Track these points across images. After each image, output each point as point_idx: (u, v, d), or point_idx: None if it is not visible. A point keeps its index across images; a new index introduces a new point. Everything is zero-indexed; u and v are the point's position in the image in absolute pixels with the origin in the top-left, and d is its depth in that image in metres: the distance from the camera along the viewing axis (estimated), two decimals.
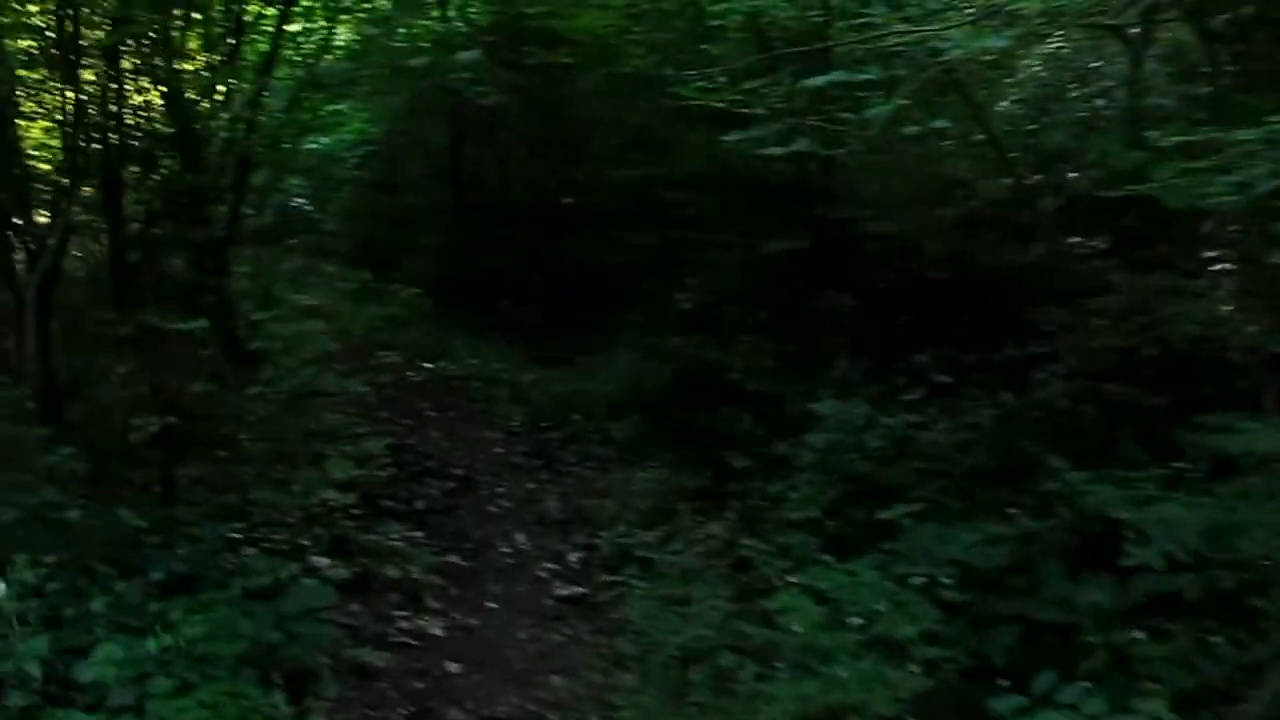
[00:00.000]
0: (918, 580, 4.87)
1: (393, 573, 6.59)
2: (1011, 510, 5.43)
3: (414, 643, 5.83)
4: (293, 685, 4.82)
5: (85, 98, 7.88)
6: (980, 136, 10.07)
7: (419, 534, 7.38)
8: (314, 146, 21.95)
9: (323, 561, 6.43)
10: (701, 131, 10.48)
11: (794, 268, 9.20)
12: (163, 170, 9.95)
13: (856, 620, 4.51)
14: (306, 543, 6.76)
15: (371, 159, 21.15)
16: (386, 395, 11.06)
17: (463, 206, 16.94)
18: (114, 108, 8.13)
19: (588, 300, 13.26)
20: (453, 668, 5.57)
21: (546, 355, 12.99)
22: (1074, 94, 9.65)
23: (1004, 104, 10.53)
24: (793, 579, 5.61)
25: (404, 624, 5.99)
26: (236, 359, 6.72)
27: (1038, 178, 9.09)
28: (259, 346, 5.76)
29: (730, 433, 8.64)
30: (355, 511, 7.33)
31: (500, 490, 8.49)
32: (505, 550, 7.33)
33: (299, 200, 23.27)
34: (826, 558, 6.01)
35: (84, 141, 8.17)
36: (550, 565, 7.07)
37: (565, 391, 10.76)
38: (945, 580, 4.84)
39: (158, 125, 10.15)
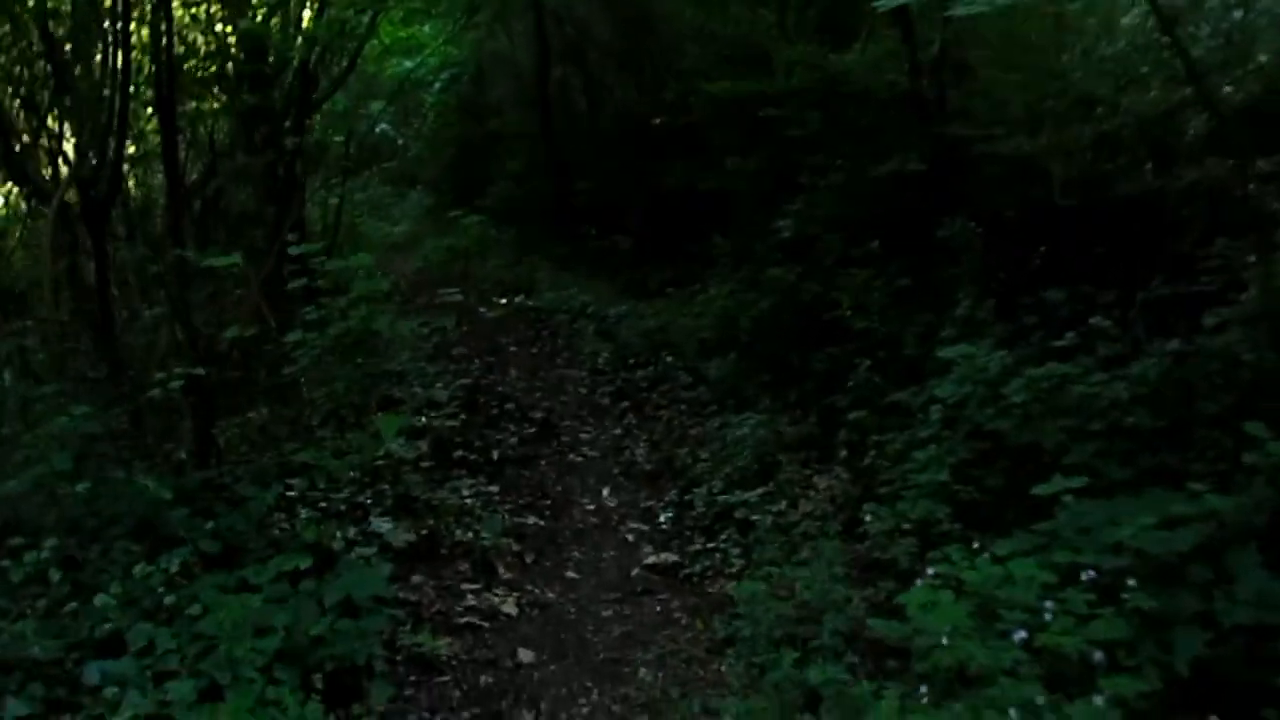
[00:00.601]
0: (1087, 573, 3.90)
1: (463, 535, 5.79)
2: (1193, 485, 4.39)
3: (483, 624, 5.01)
4: (337, 688, 4.02)
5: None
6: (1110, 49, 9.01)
7: (493, 488, 6.58)
8: (398, 70, 21.22)
9: (384, 525, 5.65)
10: (805, 43, 9.41)
11: (908, 192, 8.12)
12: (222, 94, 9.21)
13: (1016, 629, 3.57)
14: (368, 500, 6.01)
15: (456, 83, 20.26)
16: (465, 330, 10.27)
17: (549, 131, 15.95)
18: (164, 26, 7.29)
19: (680, 228, 12.27)
20: (526, 656, 4.74)
21: (635, 287, 12.10)
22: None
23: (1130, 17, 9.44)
24: (924, 560, 4.68)
25: (472, 599, 5.17)
26: (283, 298, 5.92)
27: (1186, 92, 7.91)
28: (303, 284, 4.91)
29: (836, 375, 7.68)
30: (423, 464, 6.55)
31: (584, 436, 7.65)
32: (588, 507, 6.49)
33: (383, 126, 22.53)
34: (960, 529, 5.11)
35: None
36: (638, 525, 6.22)
37: (654, 327, 9.85)
38: (1126, 577, 3.86)
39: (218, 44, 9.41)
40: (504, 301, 11.79)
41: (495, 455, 7.11)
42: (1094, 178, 7.87)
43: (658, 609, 5.23)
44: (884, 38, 9.44)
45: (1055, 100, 9.05)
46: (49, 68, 7.05)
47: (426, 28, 20.88)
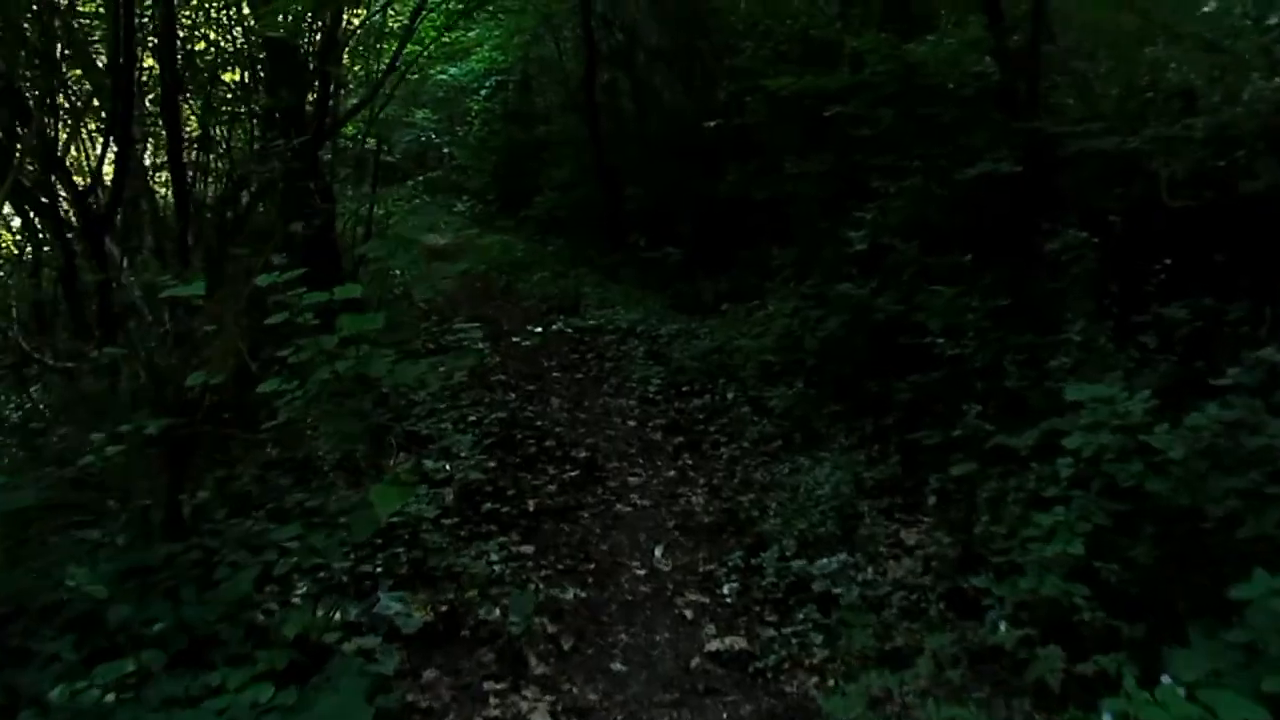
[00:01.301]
0: None
1: (488, 614, 4.74)
2: None
3: None
4: None
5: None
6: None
7: (527, 548, 5.51)
8: (443, 77, 20.28)
9: (394, 604, 4.61)
10: (877, 33, 8.29)
11: (999, 197, 6.99)
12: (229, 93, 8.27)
13: None
14: (377, 568, 4.98)
15: (503, 89, 19.28)
16: (503, 353, 9.25)
17: (596, 137, 14.90)
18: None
19: (735, 238, 11.21)
20: None
21: (688, 301, 11.04)
22: None
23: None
24: (1069, 672, 3.57)
25: (496, 707, 4.11)
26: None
27: None
28: (283, 318, 3.89)
29: (920, 407, 6.58)
30: (445, 521, 5.52)
31: (632, 480, 6.58)
32: (638, 572, 5.40)
33: (428, 134, 21.62)
34: (1103, 618, 3.98)
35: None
36: (697, 598, 5.12)
37: (710, 348, 8.77)
38: None
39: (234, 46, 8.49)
40: (547, 318, 10.77)
41: (530, 506, 6.05)
42: (1207, 174, 6.71)
43: (724, 716, 4.14)
44: (965, 24, 8.36)
45: (1153, 91, 7.95)
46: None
47: (473, 33, 19.99)
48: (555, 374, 8.96)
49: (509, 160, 18.47)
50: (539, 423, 7.45)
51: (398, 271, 14.76)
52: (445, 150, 21.04)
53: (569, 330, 9.64)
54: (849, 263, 8.08)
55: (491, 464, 6.51)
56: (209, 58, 8.13)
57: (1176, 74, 8.19)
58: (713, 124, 10.90)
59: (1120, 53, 8.58)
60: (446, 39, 19.82)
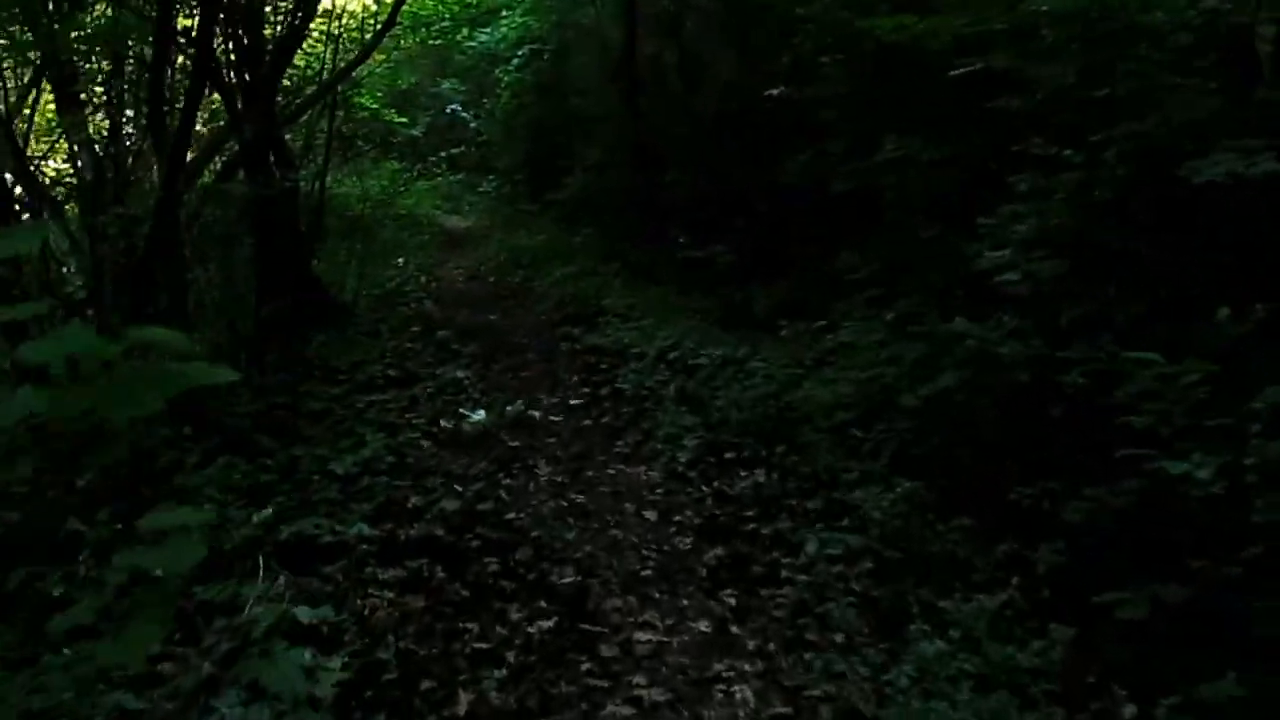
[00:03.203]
0: None
1: None
2: None
3: None
4: None
5: None
6: None
7: None
8: (471, 45, 17.57)
9: None
10: None
11: (1254, 210, 4.22)
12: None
13: None
14: None
15: (537, 58, 16.46)
16: (494, 380, 6.68)
17: (634, 111, 12.14)
18: None
19: (800, 238, 8.51)
20: None
21: (736, 315, 8.33)
22: None
23: None
24: None
25: None
26: None
27: None
28: None
29: (1109, 543, 3.89)
30: None
31: (642, 641, 3.87)
32: None
33: (454, 107, 18.92)
34: None
35: None
36: None
37: (765, 393, 6.08)
38: None
39: None
40: (557, 330, 8.15)
41: (469, 694, 3.40)
42: None
43: None
44: None
45: None
46: None
47: None
48: (553, 420, 6.30)
49: (539, 136, 15.74)
50: (511, 514, 4.80)
51: (400, 260, 12.17)
52: (472, 125, 18.33)
53: (590, 340, 7.01)
54: (967, 284, 5.43)
55: (419, 603, 3.87)
56: None
57: None
58: (775, 92, 8.09)
59: None
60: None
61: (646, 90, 12.27)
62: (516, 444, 5.81)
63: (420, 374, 6.81)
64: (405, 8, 18.44)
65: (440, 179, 17.70)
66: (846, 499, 4.78)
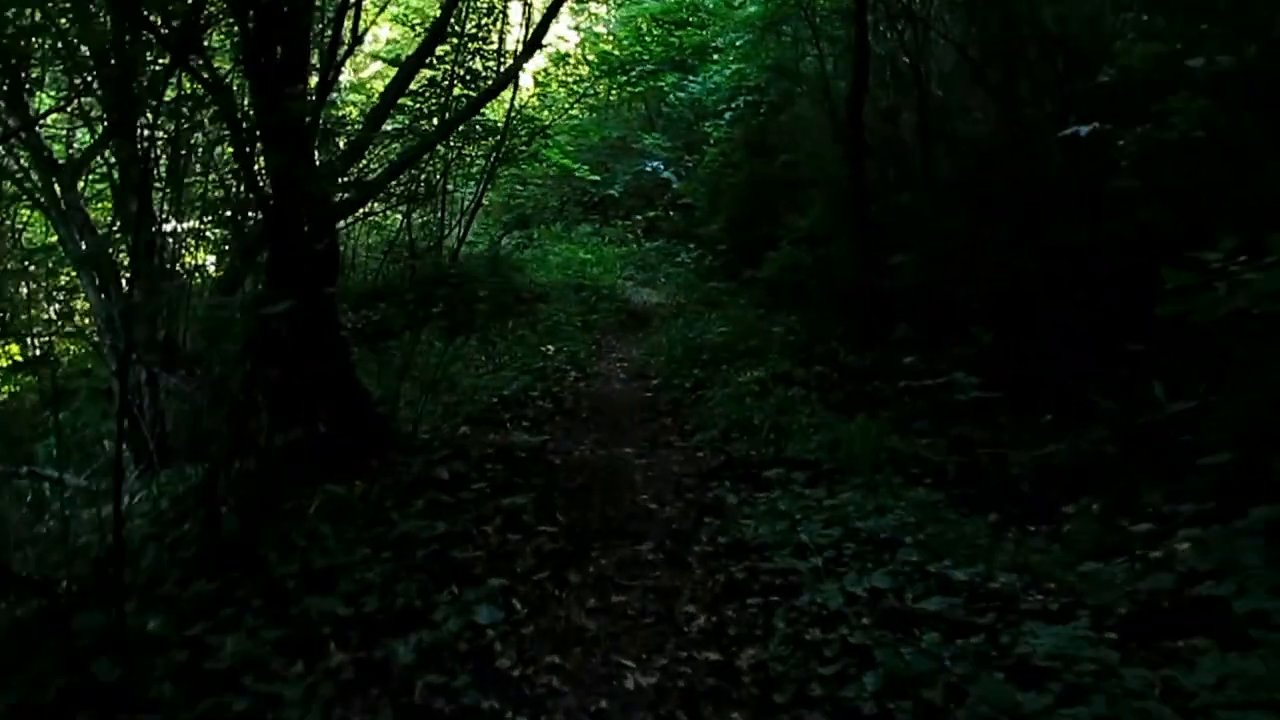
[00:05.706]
0: None
1: None
2: None
3: None
4: None
5: None
6: None
7: None
8: (681, 94, 15.20)
9: None
10: None
11: None
12: None
13: None
14: None
15: (750, 112, 13.82)
16: (550, 629, 3.86)
17: (859, 177, 9.25)
18: None
19: (1086, 359, 5.52)
20: None
21: (988, 486, 5.30)
22: None
23: None
24: None
25: None
26: None
27: None
28: None
29: None
30: None
31: None
32: None
33: (655, 164, 16.55)
34: None
35: None
36: None
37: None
38: None
39: None
40: (705, 497, 5.36)
41: None
42: None
43: None
44: None
45: None
46: None
47: (709, 34, 14.84)
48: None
49: (746, 201, 13.08)
50: None
51: (550, 348, 9.70)
52: (675, 185, 15.84)
53: (755, 537, 4.14)
54: None
55: None
56: None
57: None
58: (1084, 130, 5.01)
59: None
60: (673, 39, 14.76)
61: (875, 151, 9.46)
62: None
63: (416, 604, 3.88)
64: (596, 46, 16.29)
65: (635, 245, 15.34)
66: None
